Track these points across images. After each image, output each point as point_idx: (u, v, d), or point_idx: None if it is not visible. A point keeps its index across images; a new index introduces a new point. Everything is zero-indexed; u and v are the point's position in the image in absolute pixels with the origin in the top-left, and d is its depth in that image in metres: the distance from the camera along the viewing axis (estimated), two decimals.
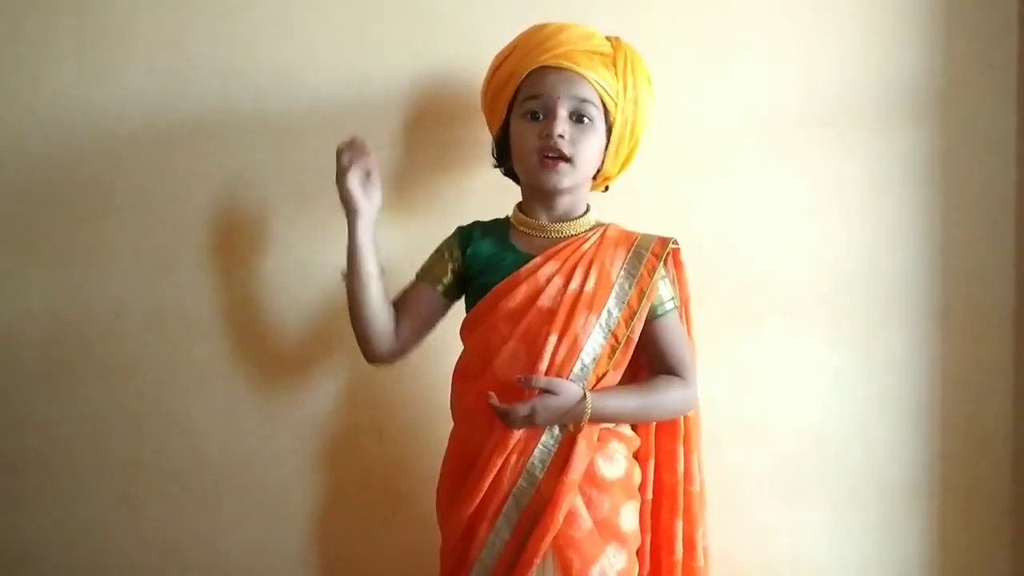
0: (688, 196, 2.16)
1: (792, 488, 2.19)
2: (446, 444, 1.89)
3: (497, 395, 1.74)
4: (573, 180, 1.81)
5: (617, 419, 1.81)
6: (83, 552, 2.18)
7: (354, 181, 1.85)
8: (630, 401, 1.80)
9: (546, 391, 1.70)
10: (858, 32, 2.17)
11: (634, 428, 1.88)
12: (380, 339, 1.86)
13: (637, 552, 1.85)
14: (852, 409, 2.19)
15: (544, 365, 1.74)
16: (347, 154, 1.86)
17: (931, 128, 2.17)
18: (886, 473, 2.20)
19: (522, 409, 1.69)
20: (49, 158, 2.13)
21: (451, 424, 1.89)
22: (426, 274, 1.91)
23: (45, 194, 2.14)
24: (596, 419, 1.75)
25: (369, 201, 1.86)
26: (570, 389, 1.72)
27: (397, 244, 2.08)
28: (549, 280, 1.79)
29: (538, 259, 1.81)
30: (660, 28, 2.14)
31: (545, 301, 1.78)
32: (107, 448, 2.17)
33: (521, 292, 1.79)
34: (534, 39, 1.83)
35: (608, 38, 1.86)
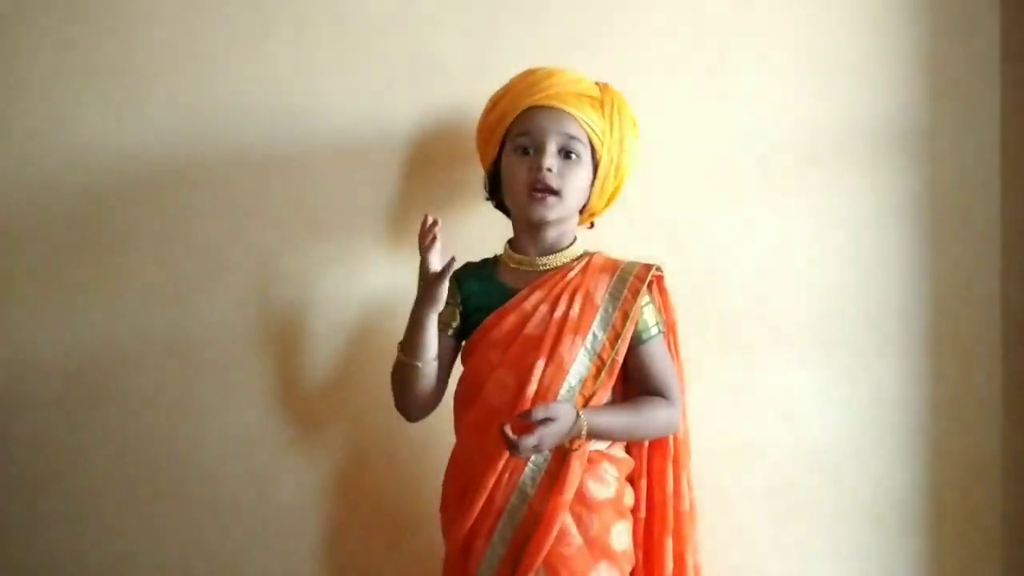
0: (685, 227, 2.20)
1: (786, 513, 2.21)
2: None
3: (488, 420, 1.82)
4: (560, 213, 1.88)
5: (609, 435, 1.86)
6: (103, 572, 2.23)
7: (437, 267, 1.83)
8: (620, 418, 1.85)
9: (546, 419, 1.74)
10: (850, 71, 2.21)
11: (628, 450, 1.93)
12: (426, 409, 1.96)
13: (632, 571, 1.89)
14: (845, 435, 2.21)
15: (532, 389, 1.81)
16: (427, 240, 1.84)
17: (920, 164, 2.20)
18: (879, 498, 2.21)
19: (530, 440, 1.73)
20: (74, 194, 2.21)
21: None
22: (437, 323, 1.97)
23: (70, 227, 2.21)
24: (590, 435, 1.80)
25: (442, 285, 1.83)
26: (565, 411, 1.77)
27: (407, 278, 2.15)
28: (536, 308, 1.86)
29: (524, 291, 1.89)
30: (660, 68, 2.20)
31: (532, 328, 1.85)
32: (127, 472, 2.22)
33: (509, 322, 1.87)
34: (526, 81, 1.92)
35: (596, 83, 1.94)
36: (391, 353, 2.11)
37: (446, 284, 1.83)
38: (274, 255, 2.22)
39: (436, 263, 1.83)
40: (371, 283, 2.20)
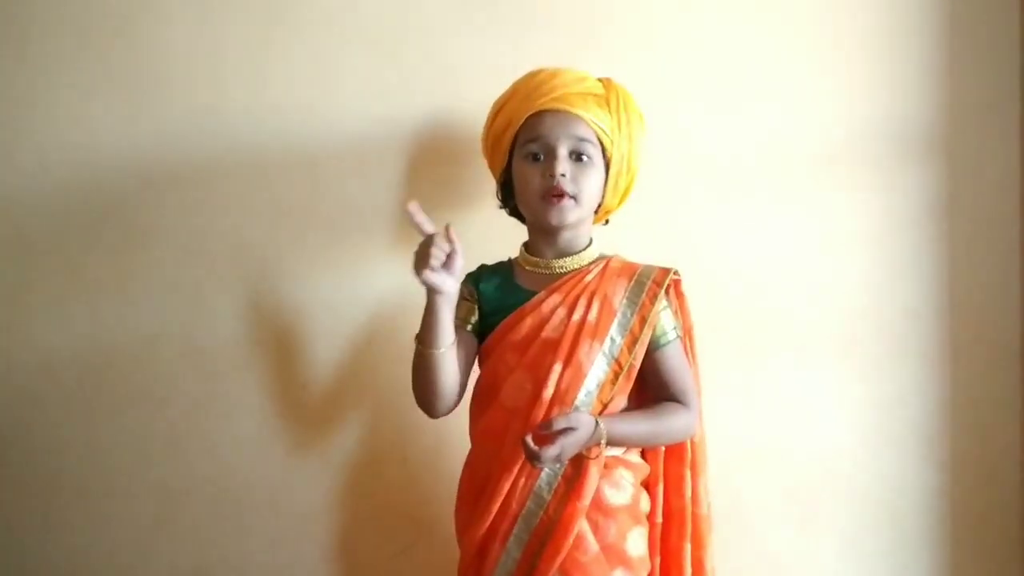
0: (701, 230, 2.21)
1: (803, 517, 2.22)
2: None
3: (504, 423, 1.82)
4: (577, 216, 1.87)
5: (627, 442, 1.85)
6: (115, 573, 2.23)
7: (436, 271, 1.74)
8: (639, 426, 1.85)
9: (567, 429, 1.74)
10: (866, 73, 2.21)
11: (643, 455, 1.93)
12: (449, 401, 1.89)
13: None
14: (862, 440, 2.22)
15: (549, 393, 1.80)
16: (436, 249, 1.73)
17: (938, 166, 2.21)
18: (896, 503, 2.22)
19: (552, 451, 1.72)
20: (91, 194, 2.21)
21: None
22: (454, 319, 1.95)
23: (86, 229, 2.21)
24: (610, 443, 1.80)
25: (451, 277, 1.77)
26: (585, 420, 1.76)
27: (412, 279, 2.16)
28: (553, 311, 1.85)
29: (542, 293, 1.88)
30: (675, 69, 2.20)
31: (550, 331, 1.84)
32: (140, 474, 2.22)
33: (526, 324, 1.86)
34: (529, 85, 1.91)
35: (600, 80, 1.93)
36: (404, 355, 2.09)
37: (429, 275, 1.73)
38: (288, 256, 2.22)
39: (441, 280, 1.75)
40: (384, 285, 2.20)
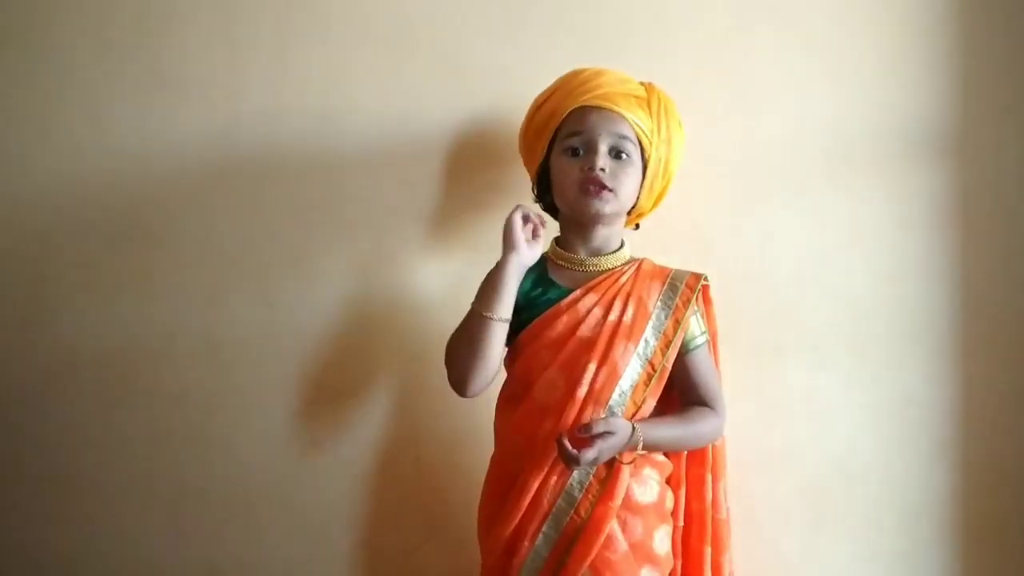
0: (716, 231, 2.20)
1: (816, 518, 2.21)
2: (483, 469, 1.94)
3: (536, 420, 1.82)
4: (613, 208, 1.88)
5: (661, 447, 1.88)
6: (131, 570, 2.24)
7: (520, 222, 1.88)
8: (672, 431, 1.87)
9: (605, 433, 1.76)
10: (881, 74, 2.21)
11: (666, 454, 1.94)
12: (485, 380, 1.87)
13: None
14: (875, 441, 2.21)
15: (583, 391, 1.81)
16: (524, 211, 1.90)
17: (952, 167, 2.20)
18: (910, 504, 2.21)
19: (590, 454, 1.74)
20: (109, 194, 2.22)
21: (487, 449, 1.95)
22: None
23: (104, 227, 2.22)
24: (644, 447, 1.82)
25: (529, 247, 1.89)
26: (622, 425, 1.78)
27: (437, 280, 2.17)
28: (589, 311, 1.86)
29: (578, 292, 1.88)
30: (690, 70, 2.19)
31: (585, 331, 1.85)
32: (156, 471, 2.23)
33: (562, 322, 1.86)
34: (574, 81, 1.92)
35: (642, 83, 1.95)
36: (419, 354, 2.12)
37: (516, 222, 1.88)
38: (305, 256, 2.22)
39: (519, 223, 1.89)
40: (401, 284, 2.20)
